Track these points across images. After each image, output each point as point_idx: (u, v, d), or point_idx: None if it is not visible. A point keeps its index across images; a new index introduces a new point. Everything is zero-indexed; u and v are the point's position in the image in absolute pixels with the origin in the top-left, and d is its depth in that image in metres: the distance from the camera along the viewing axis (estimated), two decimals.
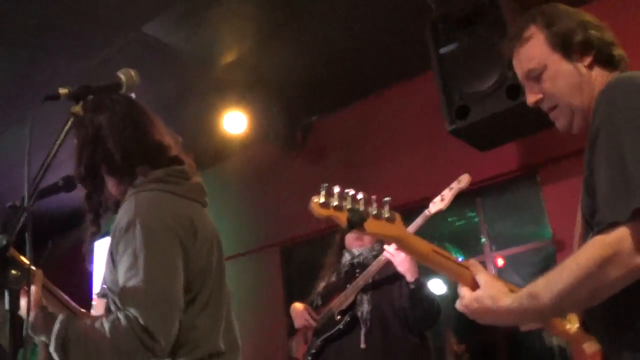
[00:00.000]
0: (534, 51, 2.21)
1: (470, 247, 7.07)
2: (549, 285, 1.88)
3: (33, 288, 2.40)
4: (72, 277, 9.89)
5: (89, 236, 2.85)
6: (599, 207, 1.87)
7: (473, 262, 2.13)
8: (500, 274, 6.31)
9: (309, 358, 4.67)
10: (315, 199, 2.00)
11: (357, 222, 1.96)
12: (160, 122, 2.81)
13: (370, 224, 1.98)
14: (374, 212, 1.99)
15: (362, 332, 4.45)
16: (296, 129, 7.26)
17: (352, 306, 4.59)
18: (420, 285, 4.45)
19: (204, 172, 8.14)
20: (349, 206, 1.98)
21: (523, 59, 2.25)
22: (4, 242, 1.86)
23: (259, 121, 6.86)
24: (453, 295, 6.98)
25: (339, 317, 4.59)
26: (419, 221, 4.46)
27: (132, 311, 2.27)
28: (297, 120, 7.21)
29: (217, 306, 2.62)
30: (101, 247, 8.32)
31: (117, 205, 2.66)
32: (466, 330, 6.67)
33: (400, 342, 4.49)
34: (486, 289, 2.04)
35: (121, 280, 2.38)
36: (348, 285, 4.64)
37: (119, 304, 2.37)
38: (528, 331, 6.03)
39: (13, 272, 1.83)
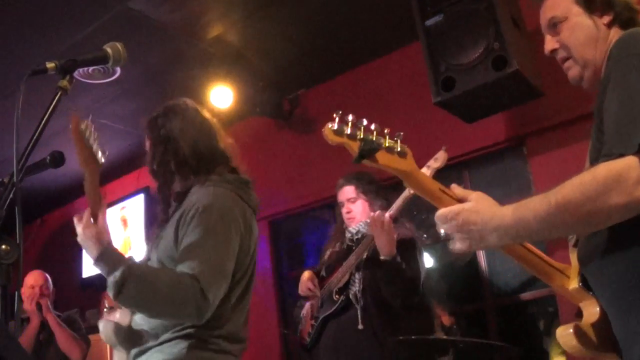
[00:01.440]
0: (559, 1, 2.29)
1: None
2: (546, 198, 1.84)
3: (100, 218, 2.82)
4: (62, 253, 9.90)
5: (159, 223, 3.16)
6: (607, 141, 1.85)
7: (454, 186, 2.12)
8: None
9: (311, 335, 4.70)
10: (329, 125, 1.98)
11: (368, 152, 1.96)
12: (223, 132, 3.25)
13: (381, 156, 1.99)
14: (386, 145, 1.99)
15: (359, 312, 4.46)
16: (283, 101, 7.25)
17: (348, 285, 4.60)
18: (391, 264, 4.39)
19: None
20: (361, 135, 1.97)
21: (548, 8, 2.33)
22: None
23: (246, 95, 6.84)
24: (441, 268, 7.03)
25: (336, 296, 4.61)
26: (399, 203, 4.43)
27: (194, 272, 2.69)
28: (284, 93, 7.20)
29: (247, 296, 3.07)
30: None
31: (181, 197, 3.07)
32: (455, 302, 6.71)
33: (396, 319, 4.50)
34: (478, 201, 2.01)
35: (188, 249, 2.79)
36: (344, 263, 4.66)
37: (184, 267, 2.74)
38: (518, 302, 6.08)
39: (3, 247, 1.84)
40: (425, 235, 6.88)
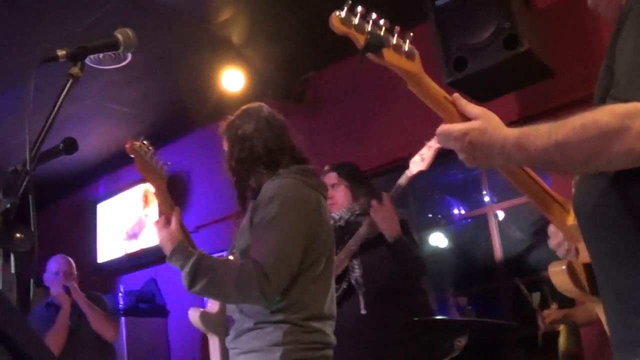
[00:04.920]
0: None
1: (472, 200, 7.09)
2: (549, 131, 1.72)
3: (173, 221, 3.17)
4: (76, 239, 9.94)
5: (236, 216, 3.49)
6: (617, 83, 1.75)
7: (456, 95, 1.98)
8: (501, 226, 6.35)
9: None
10: (336, 13, 1.88)
11: (374, 46, 1.87)
12: (293, 129, 3.53)
13: (387, 53, 1.90)
14: (394, 43, 1.91)
15: (361, 298, 4.46)
16: (294, 84, 7.24)
17: (347, 272, 4.59)
18: (400, 243, 4.42)
19: (202, 130, 8.17)
20: (369, 28, 1.88)
21: None
22: (8, 206, 1.87)
23: (257, 78, 6.85)
24: (455, 248, 7.03)
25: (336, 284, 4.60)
26: (401, 183, 4.45)
27: (259, 260, 2.96)
28: (295, 75, 7.19)
29: (327, 278, 3.32)
30: (104, 210, 8.31)
31: (255, 192, 3.31)
32: (467, 282, 6.71)
33: (399, 303, 4.51)
34: (486, 120, 1.89)
35: (255, 238, 3.09)
36: (339, 250, 4.60)
37: (251, 253, 3.03)
38: (532, 282, 6.08)
39: (18, 235, 1.85)
40: (439, 216, 6.89)
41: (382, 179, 6.45)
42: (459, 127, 1.88)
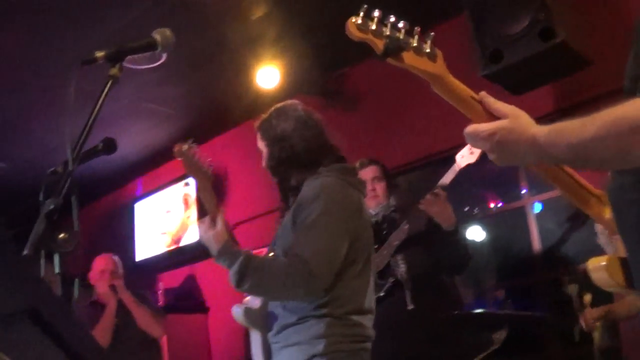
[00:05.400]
0: None
1: (509, 192, 7.05)
2: (579, 128, 1.68)
3: (219, 221, 3.23)
4: (114, 238, 10.02)
5: (279, 212, 3.59)
6: None
7: (484, 94, 1.95)
8: (539, 218, 6.31)
9: None
10: (352, 19, 1.83)
11: (394, 50, 1.83)
12: (330, 127, 3.57)
13: (408, 56, 1.86)
14: (415, 45, 1.87)
15: (407, 293, 4.47)
16: (330, 79, 7.24)
17: (388, 268, 4.60)
18: (457, 231, 4.49)
19: (238, 128, 8.20)
20: (387, 33, 1.84)
21: None
22: (51, 207, 1.89)
23: (292, 75, 6.86)
24: (492, 241, 7.00)
25: (379, 280, 4.60)
26: (449, 176, 4.47)
27: (305, 258, 3.01)
28: (330, 70, 7.19)
29: (367, 274, 3.35)
30: (141, 210, 8.38)
31: (296, 190, 3.38)
32: (505, 275, 6.69)
33: (443, 296, 4.53)
34: (514, 118, 1.86)
35: (300, 236, 3.13)
36: (376, 246, 4.60)
37: (295, 252, 3.07)
38: (568, 275, 6.03)
39: (61, 235, 1.87)
40: (476, 209, 6.86)
41: (420, 174, 6.45)
42: (486, 127, 1.85)
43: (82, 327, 1.63)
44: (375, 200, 4.77)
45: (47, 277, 1.76)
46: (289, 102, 3.64)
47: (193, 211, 8.83)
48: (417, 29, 1.90)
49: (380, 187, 4.81)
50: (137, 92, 7.20)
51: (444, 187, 4.48)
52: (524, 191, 6.48)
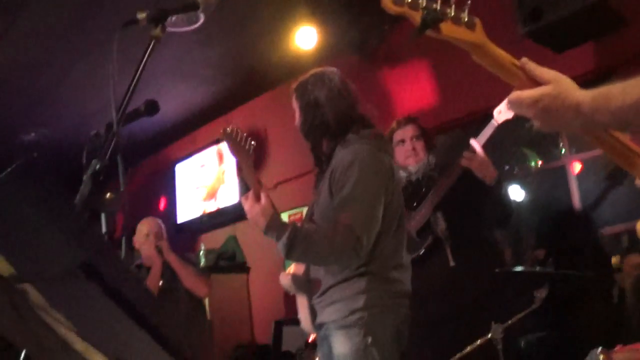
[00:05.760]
0: None
1: (549, 151, 6.99)
2: (623, 92, 1.71)
3: (263, 197, 3.33)
4: (156, 200, 10.11)
5: (316, 179, 3.77)
6: None
7: (525, 60, 1.94)
8: (579, 178, 6.27)
9: None
10: None
11: (432, 21, 1.82)
12: (363, 99, 3.70)
13: (446, 27, 1.85)
14: (452, 15, 1.85)
15: (448, 250, 4.48)
16: (368, 38, 7.20)
17: (428, 225, 4.60)
18: (499, 185, 4.50)
19: (277, 90, 8.19)
20: (424, 4, 1.83)
21: None
22: (97, 167, 1.91)
23: (330, 34, 6.83)
24: (532, 201, 6.96)
25: (418, 238, 4.61)
26: (487, 132, 4.44)
27: (349, 223, 3.21)
28: (369, 29, 7.13)
29: (402, 231, 3.57)
30: (182, 171, 8.44)
31: (328, 157, 3.58)
32: (545, 235, 6.65)
33: (487, 252, 4.54)
34: (557, 84, 1.85)
35: (341, 203, 3.30)
36: (414, 204, 4.66)
37: (338, 219, 3.25)
38: (612, 234, 6.00)
39: (108, 196, 1.90)
40: (516, 168, 6.82)
41: (460, 132, 6.42)
42: (530, 93, 1.85)
43: (140, 282, 1.65)
44: (415, 159, 4.76)
45: None
46: (328, 69, 3.75)
47: (228, 166, 8.93)
48: None
49: (419, 145, 4.80)
50: (176, 54, 7.21)
51: (483, 141, 4.47)
52: (563, 150, 6.43)
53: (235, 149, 3.42)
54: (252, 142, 3.38)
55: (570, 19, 4.83)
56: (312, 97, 3.60)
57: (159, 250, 5.97)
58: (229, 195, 8.73)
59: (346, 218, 3.24)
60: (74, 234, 1.47)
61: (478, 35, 1.90)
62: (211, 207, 9.22)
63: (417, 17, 1.83)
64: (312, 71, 3.74)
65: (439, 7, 1.83)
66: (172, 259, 5.93)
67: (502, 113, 4.37)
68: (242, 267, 8.76)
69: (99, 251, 1.47)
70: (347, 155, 3.42)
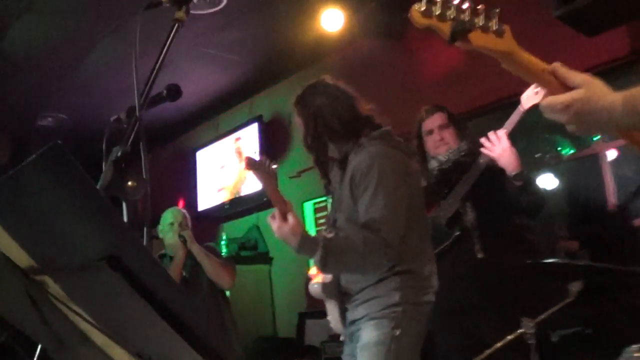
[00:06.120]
0: None
1: (582, 138, 6.94)
2: None
3: (291, 216, 3.41)
4: (176, 187, 10.13)
5: (327, 189, 4.04)
6: None
7: (556, 65, 1.95)
8: (614, 167, 6.21)
9: None
10: (416, 7, 1.83)
11: (460, 32, 1.84)
12: (361, 97, 3.82)
13: (476, 37, 1.86)
14: (481, 24, 1.86)
15: (475, 241, 4.47)
16: (395, 21, 7.15)
17: (457, 215, 4.59)
18: (523, 177, 4.43)
19: (302, 73, 8.16)
20: (452, 15, 1.83)
21: None
22: (119, 154, 1.89)
23: (357, 16, 6.80)
24: (564, 190, 6.91)
25: (447, 229, 4.60)
26: (514, 118, 4.44)
27: (376, 227, 3.36)
28: (395, 12, 7.09)
29: (426, 226, 3.77)
30: (203, 157, 8.48)
31: (342, 162, 3.71)
32: (578, 225, 6.60)
33: (517, 243, 4.51)
34: (588, 87, 1.88)
35: (365, 207, 3.45)
36: (445, 192, 4.67)
37: (365, 224, 3.41)
38: None
39: (130, 183, 1.87)
40: (547, 156, 6.77)
41: (486, 119, 6.36)
42: (562, 99, 1.87)
43: (166, 275, 1.63)
44: (445, 147, 4.73)
45: None
46: (320, 79, 3.89)
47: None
48: (482, 7, 1.87)
49: (448, 134, 4.77)
50: (198, 38, 7.20)
51: (509, 129, 4.44)
52: (597, 137, 6.38)
53: (260, 176, 3.49)
54: (275, 166, 3.49)
55: (603, 2, 4.79)
56: (312, 107, 3.74)
57: (183, 240, 5.97)
58: (251, 183, 8.71)
59: (372, 222, 3.39)
60: (100, 223, 1.46)
61: (507, 43, 1.91)
62: (234, 195, 9.22)
63: (445, 29, 1.84)
64: (306, 85, 3.88)
65: (467, 18, 1.84)
66: (196, 249, 5.94)
67: (529, 98, 4.35)
68: (265, 258, 8.75)
69: (126, 242, 1.46)
70: (364, 159, 3.55)
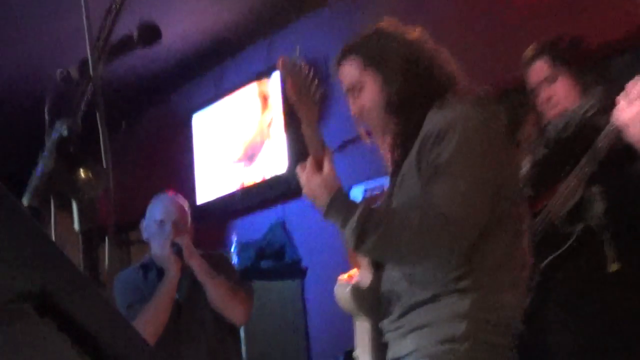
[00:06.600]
0: None
1: None
2: None
3: (327, 164, 3.44)
4: (165, 172, 10.21)
5: (392, 162, 3.76)
6: None
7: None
8: None
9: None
10: None
11: None
12: (445, 51, 3.72)
13: None
14: None
15: (606, 245, 4.31)
16: None
17: (580, 206, 4.46)
18: None
19: (339, 3, 8.24)
20: None
21: None
22: (64, 133, 1.84)
23: None
24: None
25: (565, 227, 4.48)
26: None
27: (442, 209, 3.20)
28: None
29: (522, 229, 3.53)
30: (202, 124, 8.58)
31: (414, 129, 3.54)
32: None
33: None
34: None
35: (434, 176, 3.30)
36: (562, 173, 4.53)
37: (428, 197, 3.27)
38: None
39: (83, 174, 1.82)
40: None
41: (622, 61, 6.28)
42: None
43: (116, 315, 1.58)
44: (557, 109, 4.62)
45: (60, 239, 1.72)
46: (393, 25, 3.78)
47: (274, 114, 8.82)
48: None
49: (559, 88, 4.64)
50: None
51: None
52: None
53: (297, 91, 3.46)
54: (322, 88, 3.44)
55: None
56: (391, 57, 3.64)
57: (177, 251, 5.59)
58: (275, 161, 8.67)
59: (438, 203, 3.24)
60: (18, 249, 1.41)
61: None
62: (249, 176, 9.14)
63: None
64: (373, 29, 3.80)
65: None
66: (197, 264, 5.58)
67: None
68: (295, 269, 8.64)
69: (60, 272, 1.41)
70: (443, 118, 3.43)
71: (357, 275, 3.75)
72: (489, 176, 3.36)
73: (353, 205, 3.35)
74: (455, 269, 3.31)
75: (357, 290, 3.64)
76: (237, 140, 9.32)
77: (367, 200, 3.35)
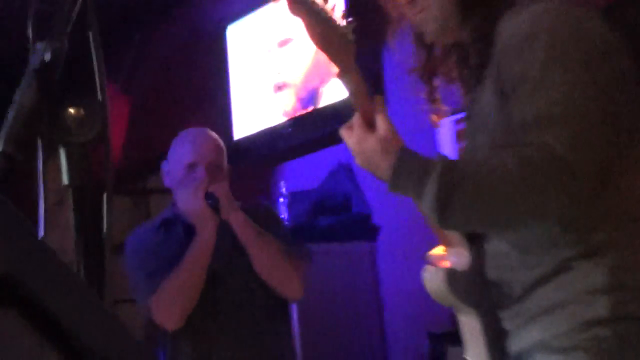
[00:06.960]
0: None
1: None
2: None
3: (381, 121, 3.20)
4: (191, 99, 10.28)
5: (467, 89, 3.59)
6: None
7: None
8: None
9: None
10: None
11: None
12: None
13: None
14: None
15: None
16: None
17: None
18: None
19: None
20: None
21: None
22: (47, 58, 1.86)
23: None
24: None
25: None
26: None
27: (546, 138, 2.94)
28: None
29: None
30: (235, 33, 8.65)
31: (487, 40, 3.34)
32: None
33: None
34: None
35: (524, 102, 3.06)
36: None
37: (523, 134, 3.02)
38: None
39: (72, 111, 1.84)
40: None
41: None
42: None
43: (94, 303, 1.60)
44: None
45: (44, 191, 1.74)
46: None
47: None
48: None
49: None
50: None
51: None
52: None
53: (318, 31, 3.24)
54: (353, 21, 3.23)
55: None
56: None
57: (214, 203, 5.43)
58: (334, 86, 8.54)
59: (545, 133, 2.97)
60: None
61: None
62: (300, 106, 9.09)
63: None
64: None
65: None
66: (239, 221, 5.44)
67: None
68: (364, 228, 8.56)
69: (28, 253, 1.44)
70: (517, 25, 3.22)
71: (449, 254, 3.58)
72: (601, 89, 3.08)
73: (426, 164, 3.08)
74: (579, 226, 3.10)
75: (453, 276, 3.47)
76: (284, 78, 9.23)
77: (442, 155, 3.02)
